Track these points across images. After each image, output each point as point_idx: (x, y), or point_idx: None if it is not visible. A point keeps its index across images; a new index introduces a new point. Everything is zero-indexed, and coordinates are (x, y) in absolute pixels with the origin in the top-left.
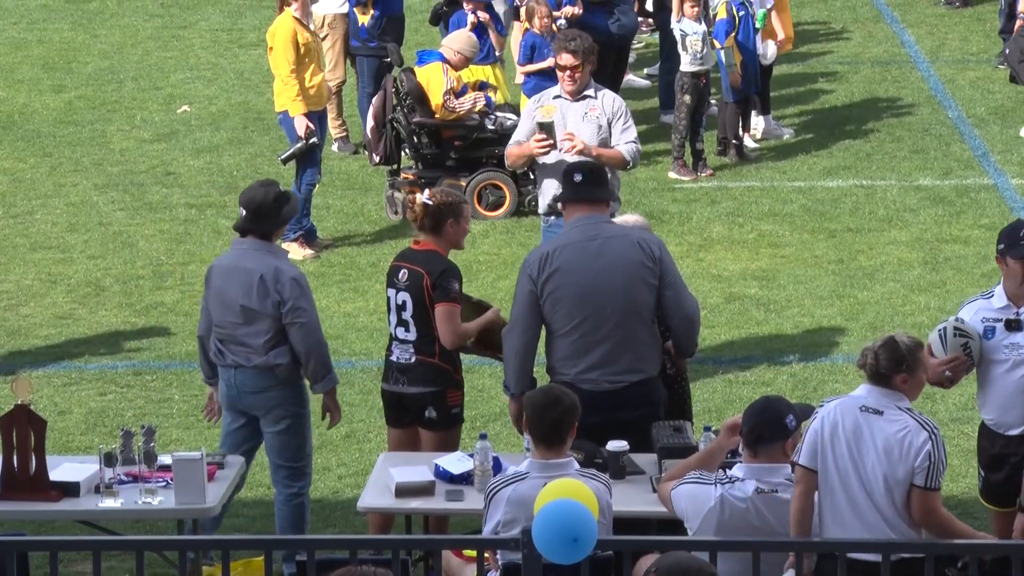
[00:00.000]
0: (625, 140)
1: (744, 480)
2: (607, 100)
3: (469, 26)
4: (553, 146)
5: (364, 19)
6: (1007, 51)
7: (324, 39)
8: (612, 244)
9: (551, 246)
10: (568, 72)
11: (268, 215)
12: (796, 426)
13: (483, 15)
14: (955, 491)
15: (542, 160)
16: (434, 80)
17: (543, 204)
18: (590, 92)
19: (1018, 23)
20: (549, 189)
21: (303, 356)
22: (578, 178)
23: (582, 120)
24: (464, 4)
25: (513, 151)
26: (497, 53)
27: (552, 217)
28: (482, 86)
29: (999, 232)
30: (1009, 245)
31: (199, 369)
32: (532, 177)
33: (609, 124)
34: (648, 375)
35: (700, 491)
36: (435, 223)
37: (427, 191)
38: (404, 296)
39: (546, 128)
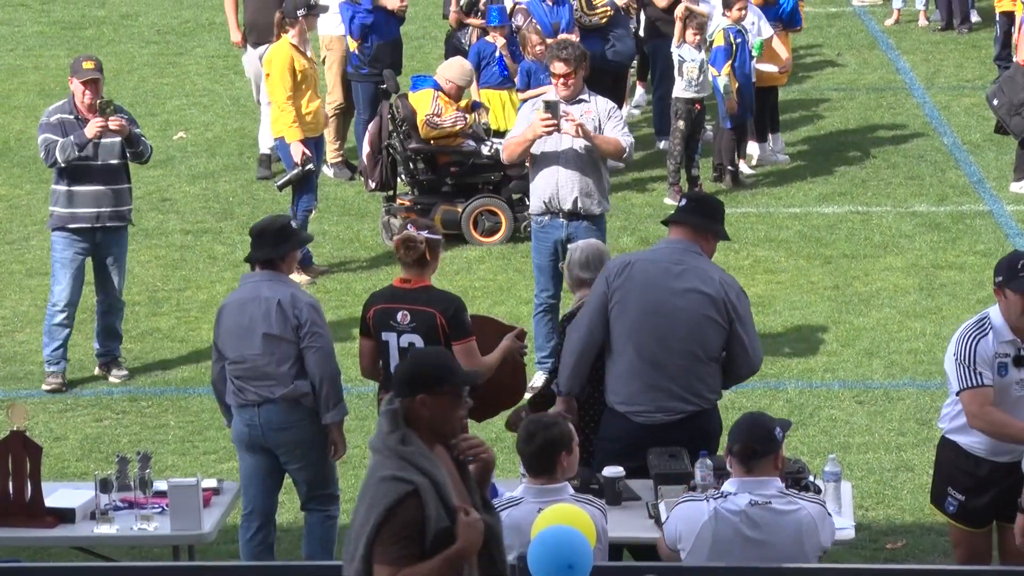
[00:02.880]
0: (620, 134)
1: (737, 494)
2: (600, 103)
3: (498, 51)
4: (557, 127)
5: (353, 45)
6: (995, 101)
7: (323, 60)
8: (693, 274)
9: (636, 256)
10: (562, 79)
11: (267, 242)
12: (782, 438)
13: (501, 40)
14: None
15: (539, 150)
16: (422, 105)
17: (536, 203)
18: (584, 96)
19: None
20: (542, 185)
21: (317, 382)
22: (691, 204)
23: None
24: (489, 32)
25: (513, 140)
26: (514, 79)
27: (545, 217)
28: (475, 106)
29: (996, 264)
30: (1008, 277)
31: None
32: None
33: (603, 125)
34: (700, 408)
35: (693, 508)
36: (432, 257)
37: (412, 227)
38: (412, 338)
39: (552, 107)
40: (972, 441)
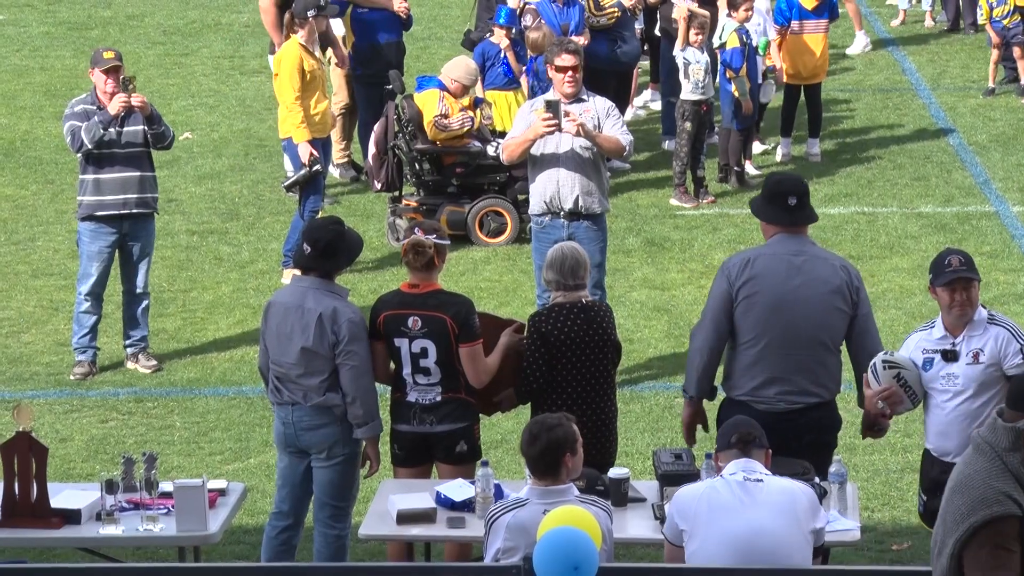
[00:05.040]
0: (620, 132)
1: (734, 473)
2: (599, 102)
3: (502, 51)
4: (558, 126)
5: (347, 47)
6: None
7: (329, 60)
8: (815, 264)
9: (754, 253)
10: (569, 72)
11: (332, 255)
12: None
13: (505, 41)
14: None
15: (539, 151)
16: (428, 106)
17: (536, 203)
18: (583, 96)
19: None
20: (543, 185)
21: (349, 398)
22: (792, 201)
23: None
24: (496, 31)
25: (513, 141)
26: (520, 79)
27: (546, 217)
28: (477, 102)
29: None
30: (935, 274)
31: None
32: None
33: (601, 124)
34: (824, 399)
35: (688, 490)
36: (440, 261)
37: (419, 231)
38: (424, 343)
39: (552, 107)
40: (927, 440)
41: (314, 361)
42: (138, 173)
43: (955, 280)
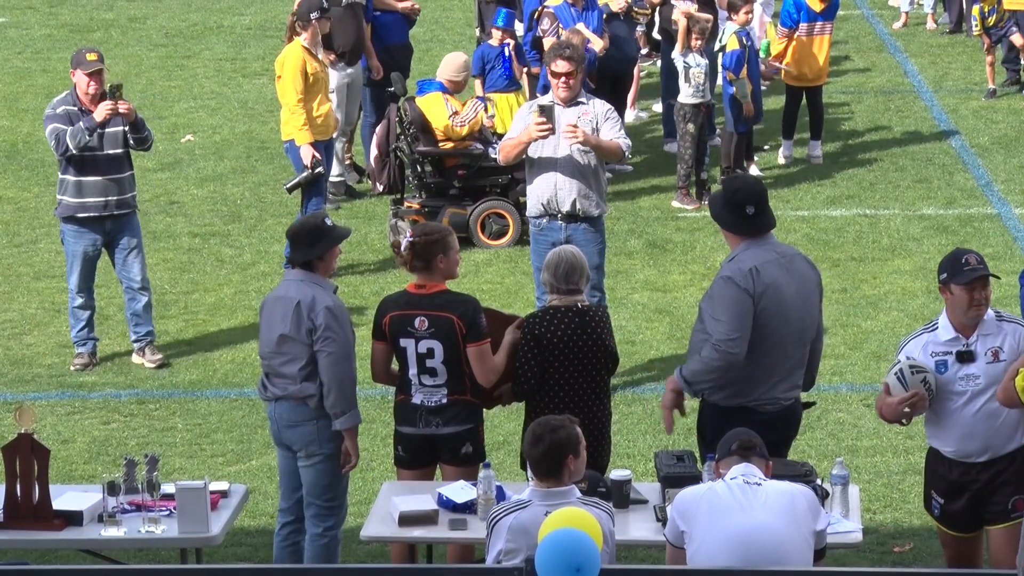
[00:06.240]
0: (618, 135)
1: (734, 477)
2: (597, 104)
3: (506, 52)
4: (552, 130)
5: None
6: None
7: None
8: (797, 262)
9: (752, 261)
10: (563, 78)
11: (301, 244)
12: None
13: (512, 42)
14: None
15: (536, 154)
16: (435, 109)
17: (534, 206)
18: (582, 99)
19: None
20: (540, 188)
21: (326, 386)
22: (750, 210)
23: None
24: (494, 32)
25: (508, 143)
26: (521, 82)
27: (544, 219)
28: (479, 100)
29: (939, 264)
30: (953, 273)
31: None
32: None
33: (600, 126)
34: (799, 393)
35: (689, 491)
36: (425, 261)
37: (408, 231)
38: (431, 344)
39: (546, 111)
40: (941, 444)
41: (291, 348)
42: (118, 176)
43: (976, 279)
